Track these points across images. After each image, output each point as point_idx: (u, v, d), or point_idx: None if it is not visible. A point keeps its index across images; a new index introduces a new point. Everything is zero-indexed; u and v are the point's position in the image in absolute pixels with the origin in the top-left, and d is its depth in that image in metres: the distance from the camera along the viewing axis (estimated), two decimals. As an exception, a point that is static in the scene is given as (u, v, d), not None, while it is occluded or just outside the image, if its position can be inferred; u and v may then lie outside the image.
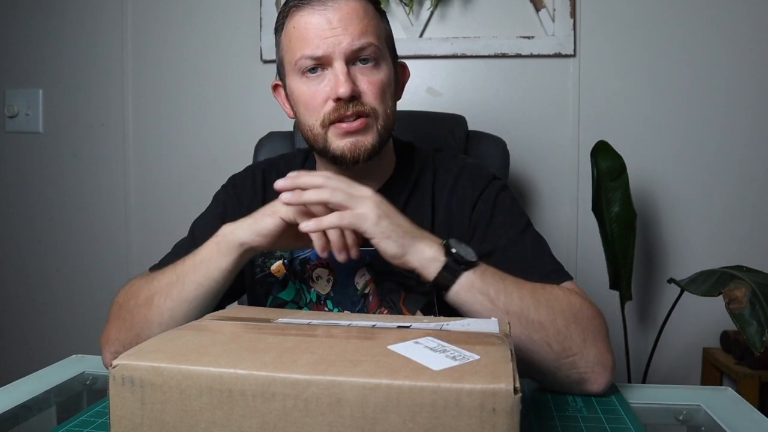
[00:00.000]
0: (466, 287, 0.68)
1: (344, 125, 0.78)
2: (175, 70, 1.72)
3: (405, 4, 1.59)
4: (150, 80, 1.73)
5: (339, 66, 0.77)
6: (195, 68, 1.71)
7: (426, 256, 0.69)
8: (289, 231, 0.72)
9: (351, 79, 0.77)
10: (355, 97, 0.77)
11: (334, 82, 0.77)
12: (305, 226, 0.69)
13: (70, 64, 1.76)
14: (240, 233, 0.72)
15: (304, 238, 0.72)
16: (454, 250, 0.68)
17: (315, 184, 0.69)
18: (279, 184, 0.71)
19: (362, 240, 0.72)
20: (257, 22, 1.65)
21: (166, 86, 1.73)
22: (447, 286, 0.68)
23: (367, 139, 0.79)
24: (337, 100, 0.77)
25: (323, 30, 0.76)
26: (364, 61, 0.79)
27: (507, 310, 0.67)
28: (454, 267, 0.68)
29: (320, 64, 0.78)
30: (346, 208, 0.68)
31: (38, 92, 1.78)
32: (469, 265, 0.68)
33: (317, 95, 0.79)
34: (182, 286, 0.73)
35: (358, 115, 0.78)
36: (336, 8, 0.77)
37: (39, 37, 1.77)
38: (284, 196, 0.70)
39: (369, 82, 0.79)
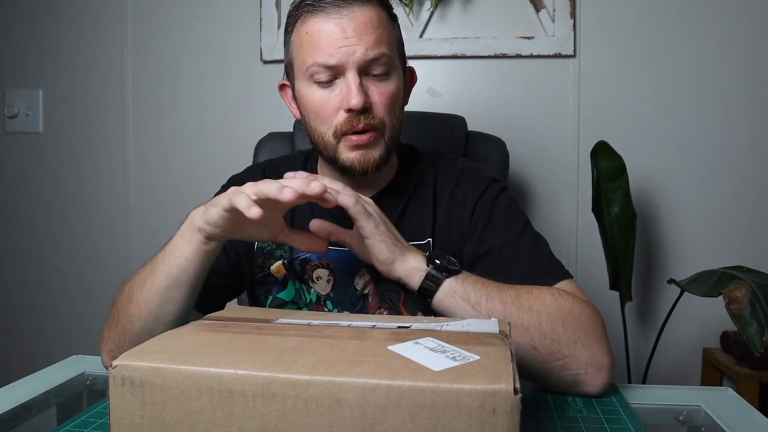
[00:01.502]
0: (448, 294, 0.70)
1: (354, 138, 0.78)
2: (175, 70, 1.72)
3: (405, 4, 1.59)
4: (150, 80, 1.74)
5: (352, 77, 0.76)
6: (195, 68, 1.71)
7: (411, 266, 0.72)
8: (243, 221, 0.65)
9: (363, 90, 0.77)
10: (366, 108, 0.77)
11: (346, 93, 0.77)
12: (314, 185, 0.64)
13: (70, 64, 1.76)
14: (197, 219, 0.69)
15: (263, 230, 0.72)
16: (437, 261, 0.71)
17: (334, 187, 0.69)
18: (298, 174, 0.72)
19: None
20: (257, 22, 1.65)
21: (166, 86, 1.73)
22: (431, 294, 0.71)
23: (375, 152, 0.80)
24: (349, 111, 0.77)
25: (337, 38, 0.76)
26: (377, 71, 0.78)
27: (489, 315, 0.68)
28: (436, 275, 0.71)
29: (332, 72, 0.77)
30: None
31: (38, 92, 1.78)
32: (450, 273, 0.71)
33: (329, 104, 0.78)
34: (155, 277, 0.72)
35: (367, 128, 0.78)
36: (351, 17, 0.76)
37: (39, 37, 1.77)
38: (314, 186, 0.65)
39: (380, 93, 0.78)
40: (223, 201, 0.64)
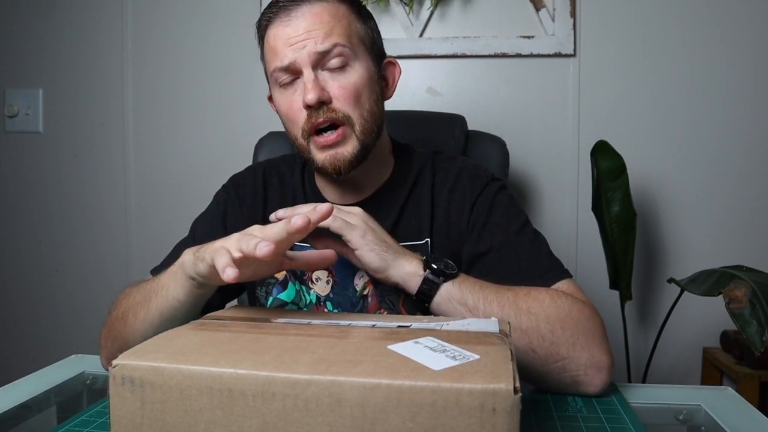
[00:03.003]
0: (446, 298, 0.70)
1: (321, 139, 0.78)
2: (175, 70, 1.72)
3: (405, 3, 1.59)
4: (150, 80, 1.73)
5: (306, 73, 0.77)
6: (195, 68, 1.71)
7: (407, 271, 0.71)
8: (239, 266, 0.59)
9: (319, 85, 0.77)
10: (324, 102, 0.77)
11: (303, 90, 0.77)
12: (295, 219, 0.65)
13: (70, 64, 1.76)
14: (188, 267, 0.65)
15: (262, 269, 0.66)
16: (434, 265, 0.71)
17: (308, 210, 0.68)
18: (280, 213, 0.71)
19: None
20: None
21: (166, 86, 1.73)
22: (428, 299, 0.71)
23: (346, 150, 0.79)
24: (308, 107, 0.77)
25: (289, 39, 0.77)
26: (333, 64, 0.78)
27: (487, 318, 0.68)
28: (433, 280, 0.70)
29: (292, 73, 0.78)
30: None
31: (38, 92, 1.78)
32: (448, 277, 0.71)
33: (293, 105, 0.79)
34: (147, 310, 0.71)
35: (332, 124, 0.78)
36: (300, 17, 0.77)
37: (39, 37, 1.77)
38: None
39: (340, 86, 0.78)
40: (207, 258, 0.61)
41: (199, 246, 0.65)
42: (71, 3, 1.75)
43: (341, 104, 0.78)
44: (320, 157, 0.79)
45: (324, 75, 0.78)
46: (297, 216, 0.58)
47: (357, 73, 0.80)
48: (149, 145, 1.75)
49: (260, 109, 1.64)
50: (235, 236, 0.61)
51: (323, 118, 0.77)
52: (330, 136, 0.78)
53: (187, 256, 0.66)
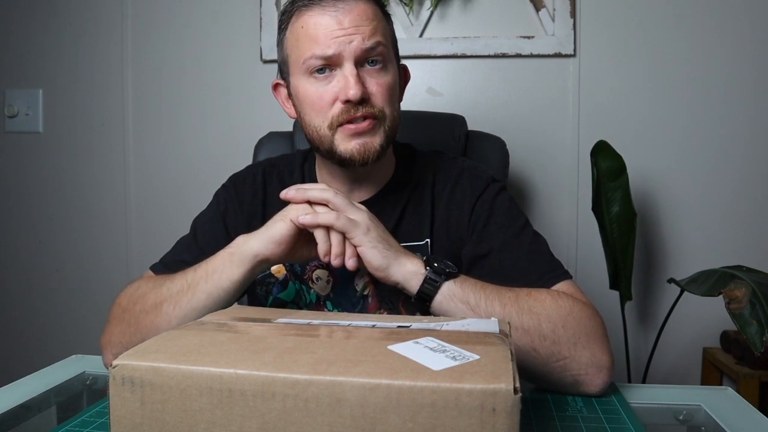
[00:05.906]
0: (447, 297, 0.70)
1: (353, 126, 0.78)
2: (175, 70, 1.72)
3: (405, 3, 1.59)
4: (150, 80, 1.73)
5: (349, 67, 0.76)
6: (195, 68, 1.71)
7: (408, 270, 0.71)
8: (302, 239, 0.72)
9: (361, 81, 0.77)
10: (364, 99, 0.77)
11: (343, 84, 0.77)
12: (303, 218, 0.70)
13: (70, 64, 1.76)
14: (254, 243, 0.71)
15: (313, 250, 0.72)
16: (435, 264, 0.71)
17: (321, 197, 0.71)
18: (290, 194, 0.73)
19: None
20: (257, 22, 1.65)
21: (166, 86, 1.73)
22: (430, 298, 0.71)
23: (376, 140, 0.79)
24: (347, 102, 0.77)
25: (334, 30, 0.76)
26: (373, 62, 0.78)
27: (489, 317, 0.68)
28: (434, 279, 0.70)
29: (329, 64, 0.78)
30: (344, 212, 0.71)
31: (38, 92, 1.78)
32: (449, 276, 0.71)
33: (325, 96, 0.78)
34: (192, 295, 0.72)
35: (365, 117, 0.78)
36: (347, 9, 0.77)
37: (39, 37, 1.77)
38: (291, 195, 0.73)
39: (378, 84, 0.79)
40: (291, 215, 0.71)
41: (249, 233, 0.73)
42: (71, 3, 1.75)
43: (378, 101, 0.79)
44: (348, 146, 0.79)
45: (363, 71, 0.78)
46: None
47: (391, 73, 0.81)
48: (149, 145, 1.75)
49: (260, 109, 1.65)
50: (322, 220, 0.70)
51: (361, 113, 0.77)
52: (362, 124, 0.78)
53: (243, 238, 0.73)
